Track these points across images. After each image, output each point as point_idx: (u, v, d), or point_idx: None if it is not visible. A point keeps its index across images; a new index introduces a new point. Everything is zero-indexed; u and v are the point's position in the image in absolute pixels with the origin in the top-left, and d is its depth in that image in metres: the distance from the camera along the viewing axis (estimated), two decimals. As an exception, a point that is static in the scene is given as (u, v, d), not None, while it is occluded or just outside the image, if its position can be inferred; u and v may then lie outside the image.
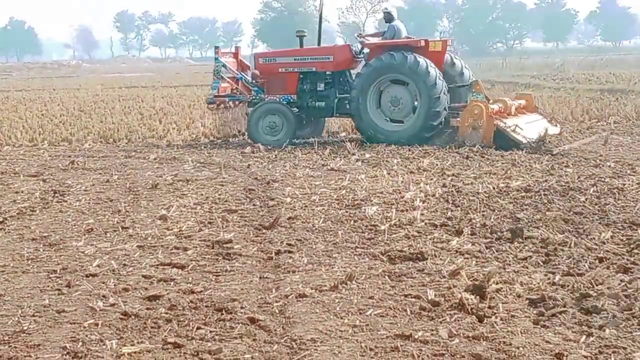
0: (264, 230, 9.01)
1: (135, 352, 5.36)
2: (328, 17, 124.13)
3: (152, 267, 7.56)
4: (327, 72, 17.82)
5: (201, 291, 6.70)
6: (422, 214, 9.49)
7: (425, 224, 9.07)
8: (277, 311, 6.18)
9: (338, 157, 15.18)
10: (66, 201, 11.17)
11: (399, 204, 10.28)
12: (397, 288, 6.75)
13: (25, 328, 5.87)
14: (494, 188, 11.19)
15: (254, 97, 17.84)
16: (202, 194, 11.41)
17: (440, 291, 6.59)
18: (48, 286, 6.96)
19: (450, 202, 10.33)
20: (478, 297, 6.27)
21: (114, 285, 6.95)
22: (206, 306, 6.31)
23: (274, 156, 15.66)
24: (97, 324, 5.91)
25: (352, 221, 9.36)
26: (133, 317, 6.07)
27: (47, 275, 7.34)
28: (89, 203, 10.98)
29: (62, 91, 40.34)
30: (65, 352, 5.34)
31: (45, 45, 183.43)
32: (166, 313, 6.15)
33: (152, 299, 6.51)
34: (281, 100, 17.59)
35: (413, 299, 6.41)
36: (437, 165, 13.72)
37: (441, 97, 16.42)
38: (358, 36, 18.77)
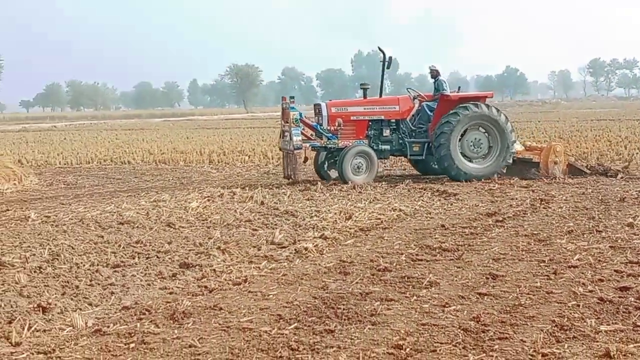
0: None
1: (610, 330, 5.16)
2: None
3: (622, 264, 7.21)
4: (392, 120, 15.82)
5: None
6: None
7: None
8: None
9: None
10: (550, 207, 11.08)
11: None
12: None
13: (522, 303, 5.92)
14: None
15: (326, 143, 15.39)
16: (664, 207, 10.61)
17: None
18: (538, 272, 6.96)
19: None
20: None
21: (591, 275, 6.75)
22: (672, 300, 5.85)
23: None
24: (578, 305, 5.78)
25: None
26: (607, 302, 5.84)
27: (538, 263, 7.34)
28: (568, 210, 10.77)
29: (544, 122, 40.05)
30: (554, 325, 5.29)
31: (532, 87, 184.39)
32: (635, 302, 5.82)
33: (623, 289, 6.21)
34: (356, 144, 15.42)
35: None
36: None
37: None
38: (408, 89, 16.60)
